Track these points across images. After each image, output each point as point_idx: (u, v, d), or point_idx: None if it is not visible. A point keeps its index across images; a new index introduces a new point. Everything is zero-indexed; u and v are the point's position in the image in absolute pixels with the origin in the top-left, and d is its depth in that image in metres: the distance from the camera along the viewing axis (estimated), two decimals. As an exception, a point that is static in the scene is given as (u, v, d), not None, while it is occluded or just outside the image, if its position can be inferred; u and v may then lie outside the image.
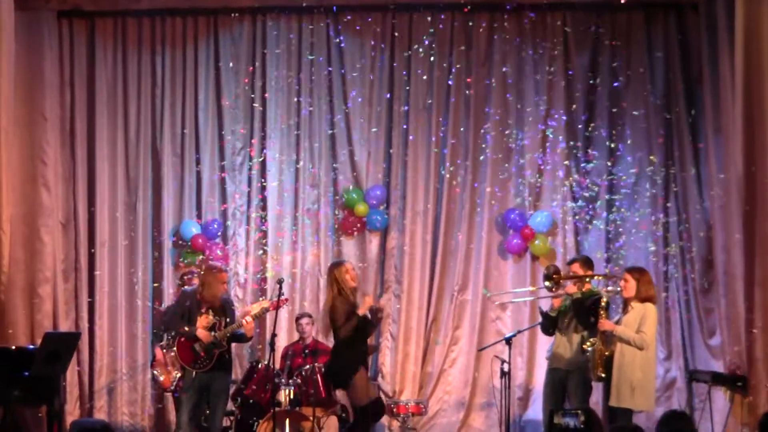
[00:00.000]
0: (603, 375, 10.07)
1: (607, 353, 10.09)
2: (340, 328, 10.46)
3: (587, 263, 10.84)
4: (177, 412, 11.10)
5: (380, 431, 12.56)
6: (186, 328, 10.60)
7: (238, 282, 12.96)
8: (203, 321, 10.58)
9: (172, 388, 11.58)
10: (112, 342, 12.70)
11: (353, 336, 10.48)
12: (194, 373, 10.56)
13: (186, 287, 11.51)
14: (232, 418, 11.55)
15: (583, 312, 10.41)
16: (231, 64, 13.08)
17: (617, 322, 10.23)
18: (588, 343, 10.15)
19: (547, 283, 10.46)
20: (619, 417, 10.02)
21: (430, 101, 13.10)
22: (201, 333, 10.55)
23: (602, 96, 13.08)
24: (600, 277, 10.86)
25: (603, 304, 10.13)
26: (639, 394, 9.99)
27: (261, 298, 11.42)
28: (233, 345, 12.03)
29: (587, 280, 10.57)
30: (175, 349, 10.80)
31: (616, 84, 13.06)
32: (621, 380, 9.98)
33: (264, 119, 13.08)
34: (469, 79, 13.09)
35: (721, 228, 12.01)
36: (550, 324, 10.77)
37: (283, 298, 10.80)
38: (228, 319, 10.69)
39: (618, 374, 10.00)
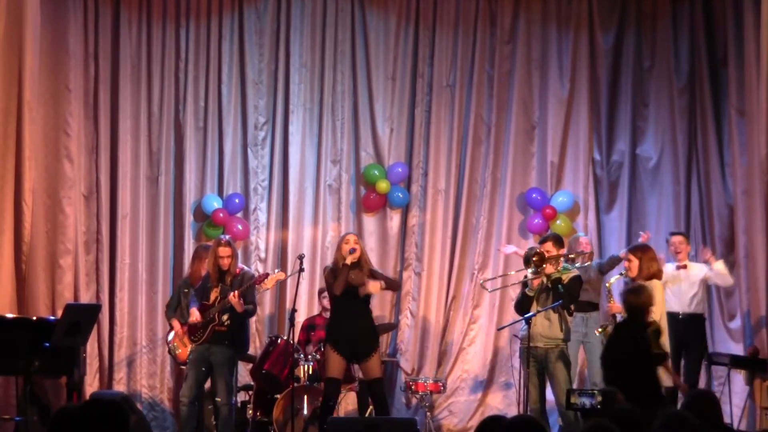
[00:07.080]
0: None
1: None
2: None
3: (558, 241, 10.71)
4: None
5: (399, 408, 12.60)
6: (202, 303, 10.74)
7: (259, 257, 12.97)
8: (212, 296, 10.67)
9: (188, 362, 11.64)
10: (132, 314, 12.70)
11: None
12: (193, 345, 10.72)
13: None
14: (250, 392, 11.60)
15: (558, 293, 10.34)
16: (255, 39, 13.06)
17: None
18: (600, 329, 10.20)
19: (530, 269, 10.35)
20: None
21: (453, 79, 13.09)
22: (192, 310, 10.71)
23: (626, 76, 13.06)
24: (572, 256, 10.80)
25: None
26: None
27: (276, 270, 11.38)
28: (252, 321, 12.06)
29: (561, 259, 10.50)
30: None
31: (640, 64, 13.03)
32: None
33: (287, 94, 13.05)
34: (492, 58, 13.09)
35: (743, 210, 11.98)
36: (528, 303, 10.64)
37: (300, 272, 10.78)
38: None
39: None
